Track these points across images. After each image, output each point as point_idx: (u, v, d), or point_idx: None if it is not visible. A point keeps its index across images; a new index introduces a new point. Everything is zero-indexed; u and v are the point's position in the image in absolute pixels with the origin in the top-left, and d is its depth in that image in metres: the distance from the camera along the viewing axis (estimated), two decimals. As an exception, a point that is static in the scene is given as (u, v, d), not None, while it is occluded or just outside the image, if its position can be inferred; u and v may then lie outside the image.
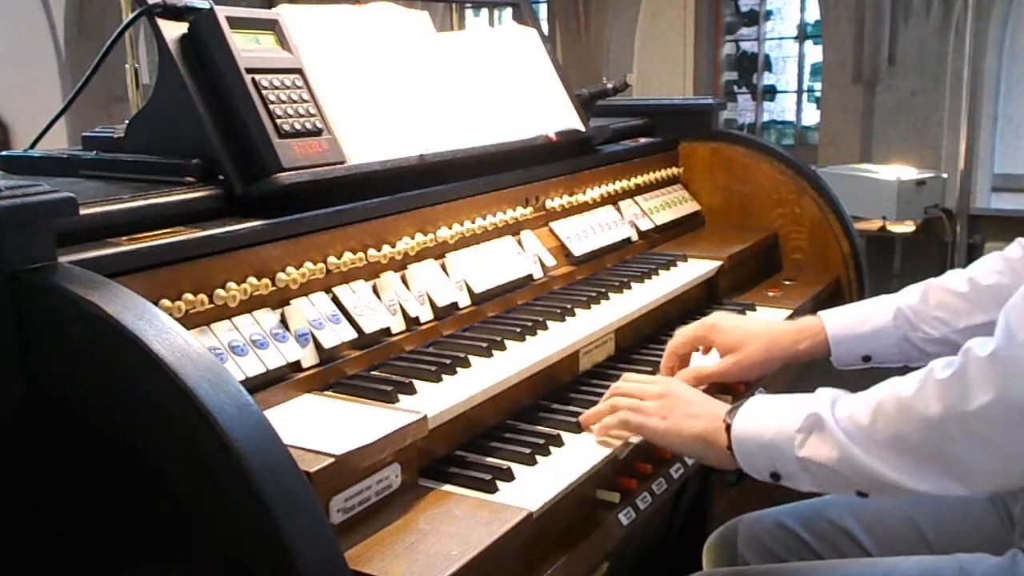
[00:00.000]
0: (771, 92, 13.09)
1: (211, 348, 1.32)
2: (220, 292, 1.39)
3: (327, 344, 1.50)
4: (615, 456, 1.51)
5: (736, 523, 1.84)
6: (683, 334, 1.78)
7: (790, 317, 2.21)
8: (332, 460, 1.18)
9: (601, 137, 2.40)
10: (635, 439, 1.54)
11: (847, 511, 1.71)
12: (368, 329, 1.57)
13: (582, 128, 2.26)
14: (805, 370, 2.18)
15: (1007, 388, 1.14)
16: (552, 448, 1.49)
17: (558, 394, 1.72)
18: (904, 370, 1.74)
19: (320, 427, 1.31)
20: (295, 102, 1.59)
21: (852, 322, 1.75)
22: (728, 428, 1.41)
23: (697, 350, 1.81)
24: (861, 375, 1.64)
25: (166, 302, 1.31)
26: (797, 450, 1.32)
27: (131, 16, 1.67)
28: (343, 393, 1.46)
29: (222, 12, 1.56)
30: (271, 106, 1.54)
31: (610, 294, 2.01)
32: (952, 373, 1.20)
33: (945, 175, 6.51)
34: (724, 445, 1.42)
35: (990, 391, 1.15)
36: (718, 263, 2.32)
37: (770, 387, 1.88)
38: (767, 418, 1.38)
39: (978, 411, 1.16)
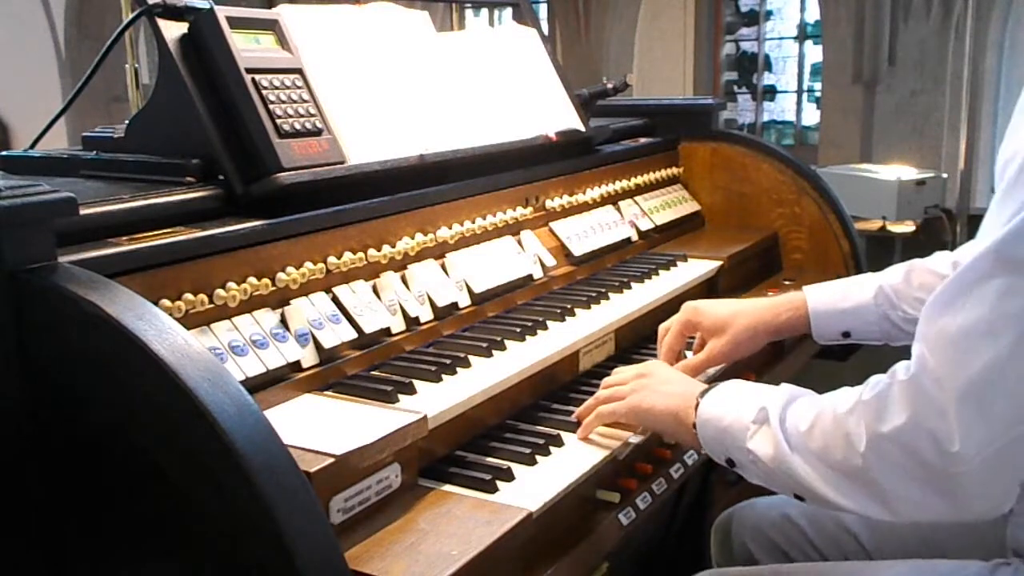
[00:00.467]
0: (771, 92, 13.09)
1: (211, 348, 1.32)
2: (220, 292, 1.39)
3: (327, 344, 1.50)
4: (615, 456, 1.51)
5: (740, 508, 1.84)
6: (672, 329, 1.78)
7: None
8: (332, 460, 1.18)
9: (601, 137, 2.40)
10: (635, 439, 1.54)
11: None
12: (368, 329, 1.57)
13: (582, 128, 2.26)
14: (804, 372, 2.19)
15: (918, 413, 1.13)
16: (552, 448, 1.49)
17: (558, 394, 1.72)
18: (884, 348, 1.74)
19: (320, 427, 1.31)
20: (295, 102, 1.59)
21: (833, 297, 1.76)
22: (697, 407, 1.41)
23: (691, 339, 1.81)
24: (861, 374, 1.64)
25: (166, 302, 1.31)
26: (747, 440, 1.32)
27: (131, 16, 1.67)
28: (343, 393, 1.46)
29: (222, 12, 1.56)
30: (271, 106, 1.54)
31: (610, 294, 2.01)
32: (876, 394, 1.19)
33: (945, 175, 6.51)
34: (691, 423, 1.41)
35: (904, 414, 1.14)
36: (718, 263, 2.32)
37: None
38: (730, 403, 1.38)
39: (890, 433, 1.15)
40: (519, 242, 2.02)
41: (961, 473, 1.11)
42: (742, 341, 1.75)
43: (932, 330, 1.14)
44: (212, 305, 1.38)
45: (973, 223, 5.95)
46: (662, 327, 1.81)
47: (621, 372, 1.61)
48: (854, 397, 1.22)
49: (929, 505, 1.18)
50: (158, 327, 1.04)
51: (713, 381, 1.48)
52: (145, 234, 1.35)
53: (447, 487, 1.36)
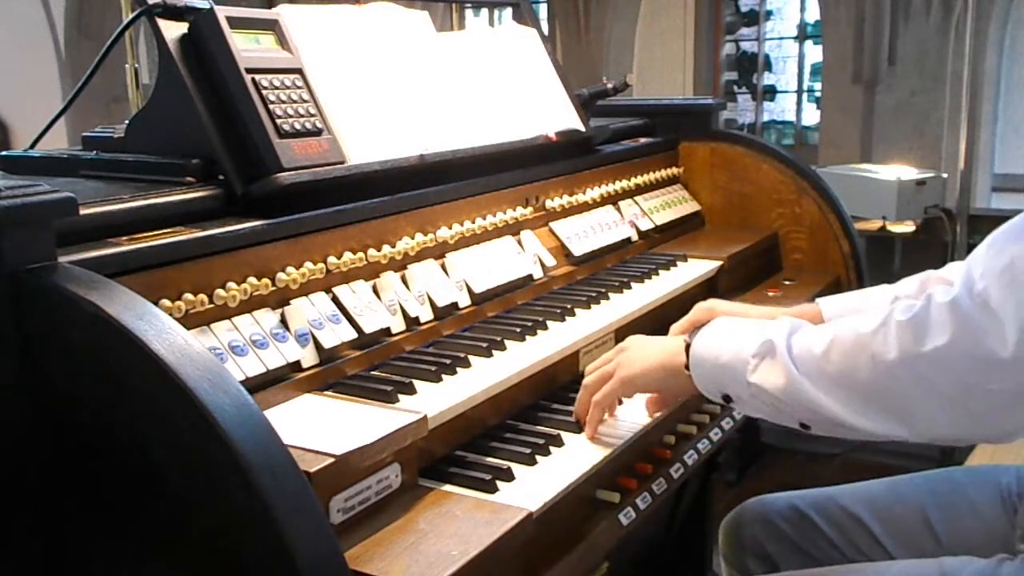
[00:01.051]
0: (771, 92, 13.09)
1: (211, 348, 1.32)
2: (220, 292, 1.39)
3: (327, 344, 1.50)
4: (615, 455, 1.51)
5: (751, 504, 1.85)
6: (681, 327, 1.77)
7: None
8: (332, 460, 1.18)
9: (601, 137, 2.40)
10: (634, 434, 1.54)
11: (862, 501, 1.73)
12: (368, 329, 1.57)
13: (582, 128, 2.26)
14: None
15: (961, 335, 1.16)
16: (552, 448, 1.49)
17: (558, 394, 1.72)
18: None
19: (320, 427, 1.31)
20: (295, 102, 1.59)
21: (848, 308, 1.75)
22: (688, 348, 1.43)
23: None
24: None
25: (166, 302, 1.31)
26: (749, 375, 1.34)
27: (131, 16, 1.67)
28: (343, 393, 1.46)
29: (222, 12, 1.56)
30: (271, 106, 1.54)
31: (610, 294, 2.01)
32: (911, 316, 1.21)
33: (945, 175, 6.50)
34: (683, 365, 1.44)
35: (944, 335, 1.17)
36: (718, 263, 2.32)
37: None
38: (726, 340, 1.40)
39: (929, 354, 1.18)
40: (519, 242, 2.02)
41: (996, 391, 1.15)
42: None
43: (998, 259, 1.16)
44: (212, 305, 1.38)
45: (973, 223, 5.95)
46: (675, 327, 1.80)
47: (599, 359, 1.62)
48: (878, 319, 1.24)
49: (953, 424, 1.21)
50: (158, 327, 1.04)
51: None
52: (145, 234, 1.35)
53: (447, 487, 1.36)
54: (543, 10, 11.96)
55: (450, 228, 1.83)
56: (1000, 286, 1.14)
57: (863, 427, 1.26)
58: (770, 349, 1.32)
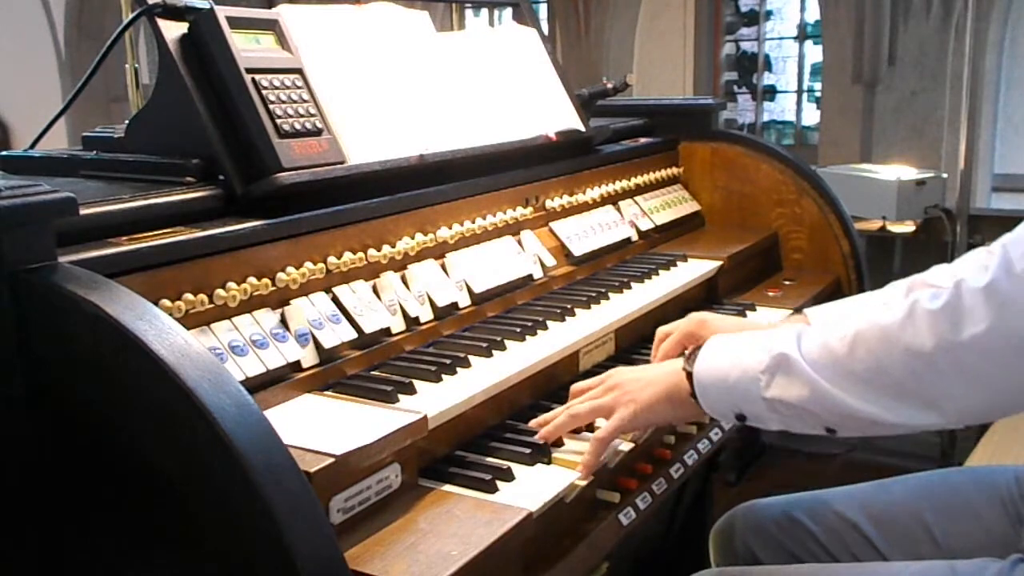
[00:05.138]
0: (771, 92, 13.09)
1: (211, 348, 1.33)
2: (220, 292, 1.39)
3: (327, 344, 1.50)
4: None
5: (742, 510, 1.81)
6: (672, 337, 1.72)
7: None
8: (332, 460, 1.18)
9: (601, 137, 2.40)
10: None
11: (856, 505, 1.69)
12: (368, 329, 1.57)
13: (582, 128, 2.26)
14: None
15: (1002, 319, 1.13)
16: (552, 448, 1.49)
17: (558, 394, 1.71)
18: None
19: (320, 427, 1.32)
20: (295, 102, 1.59)
21: (838, 316, 1.74)
22: (689, 376, 1.40)
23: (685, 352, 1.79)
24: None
25: (166, 302, 1.31)
26: (764, 391, 1.30)
27: (131, 16, 1.67)
28: (343, 393, 1.46)
29: (222, 12, 1.56)
30: (271, 106, 1.54)
31: (610, 294, 2.01)
32: (944, 303, 1.18)
33: (945, 175, 6.50)
34: (687, 393, 1.41)
35: (984, 321, 1.14)
36: (718, 263, 2.32)
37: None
38: (728, 360, 1.37)
39: (969, 341, 1.15)
40: (519, 242, 2.02)
41: None
42: None
43: None
44: (212, 305, 1.38)
45: (973, 223, 5.95)
46: (661, 330, 1.75)
47: (583, 385, 1.58)
48: (899, 312, 1.21)
49: (991, 404, 1.20)
50: (158, 327, 1.04)
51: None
52: (145, 234, 1.35)
53: (447, 487, 1.36)
54: (543, 10, 11.96)
55: (450, 228, 1.83)
56: None
57: (896, 422, 1.23)
58: (782, 361, 1.29)
